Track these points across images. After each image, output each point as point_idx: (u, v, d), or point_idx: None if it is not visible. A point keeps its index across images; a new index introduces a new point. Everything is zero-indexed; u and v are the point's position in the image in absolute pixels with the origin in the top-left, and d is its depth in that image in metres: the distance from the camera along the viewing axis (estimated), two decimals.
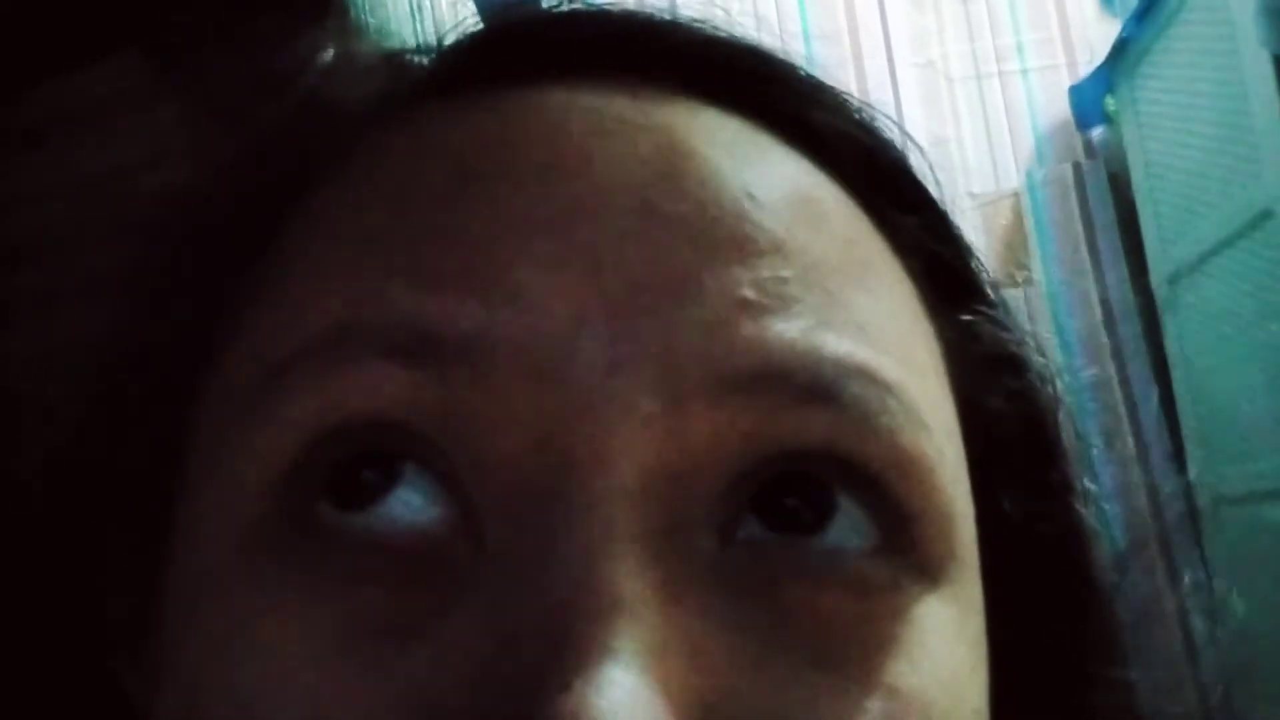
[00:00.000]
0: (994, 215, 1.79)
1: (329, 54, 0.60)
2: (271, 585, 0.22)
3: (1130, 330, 1.71)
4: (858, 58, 1.83)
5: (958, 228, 0.30)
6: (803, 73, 0.30)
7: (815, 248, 0.24)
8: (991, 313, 0.30)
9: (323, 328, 0.23)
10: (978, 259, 0.30)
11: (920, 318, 0.27)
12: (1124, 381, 1.69)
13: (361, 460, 0.22)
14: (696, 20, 0.30)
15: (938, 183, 0.30)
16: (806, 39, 1.82)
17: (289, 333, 0.24)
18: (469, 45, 0.30)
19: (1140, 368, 1.69)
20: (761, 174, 0.25)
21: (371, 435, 0.22)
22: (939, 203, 0.30)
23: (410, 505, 0.22)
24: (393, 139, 0.27)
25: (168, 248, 0.29)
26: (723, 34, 0.30)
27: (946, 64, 1.85)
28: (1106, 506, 0.32)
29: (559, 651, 0.19)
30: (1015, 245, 1.78)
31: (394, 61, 0.32)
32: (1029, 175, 1.80)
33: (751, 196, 0.24)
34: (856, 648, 0.22)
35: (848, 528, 0.23)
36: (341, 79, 0.31)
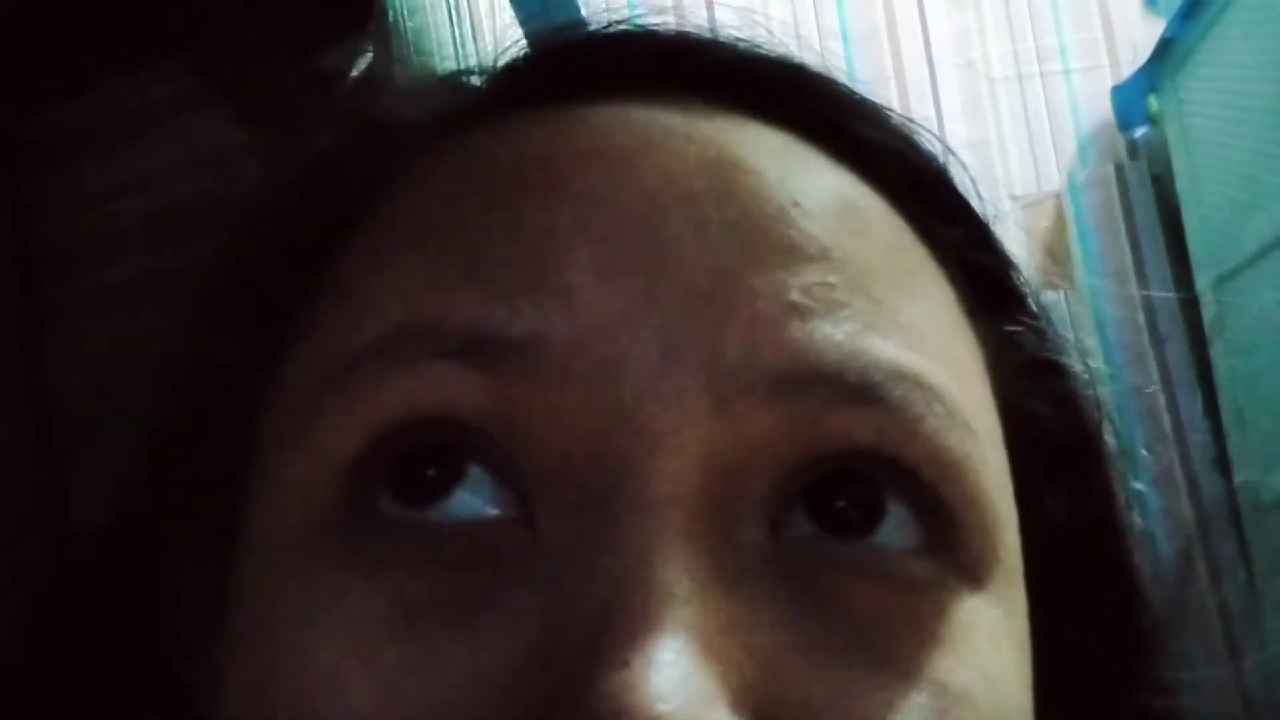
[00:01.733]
0: (1035, 217, 1.78)
1: (368, 58, 0.61)
2: (336, 573, 0.23)
3: (1174, 333, 1.69)
4: (897, 58, 1.82)
5: (999, 239, 0.31)
6: (844, 87, 0.31)
7: (860, 255, 0.25)
8: (1033, 322, 0.30)
9: (383, 330, 0.24)
10: (1019, 270, 0.31)
11: (963, 325, 0.28)
12: (1167, 385, 1.67)
13: (425, 456, 0.23)
14: (740, 38, 0.31)
15: (979, 194, 0.31)
16: (845, 40, 1.81)
17: (352, 335, 0.25)
18: (523, 65, 0.31)
19: (1184, 372, 1.67)
20: (807, 183, 0.26)
21: (432, 431, 0.23)
22: (981, 214, 0.31)
23: (470, 501, 0.23)
24: (450, 154, 0.28)
25: (235, 255, 0.30)
26: (766, 51, 0.31)
27: (988, 65, 1.83)
28: (1148, 513, 0.32)
29: (614, 632, 0.20)
30: (1057, 247, 1.76)
31: (452, 81, 0.33)
32: (1071, 177, 1.79)
33: (798, 204, 0.25)
34: (905, 643, 0.23)
35: (894, 527, 0.24)
36: (403, 96, 0.32)
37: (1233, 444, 1.60)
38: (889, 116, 0.31)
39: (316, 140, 0.33)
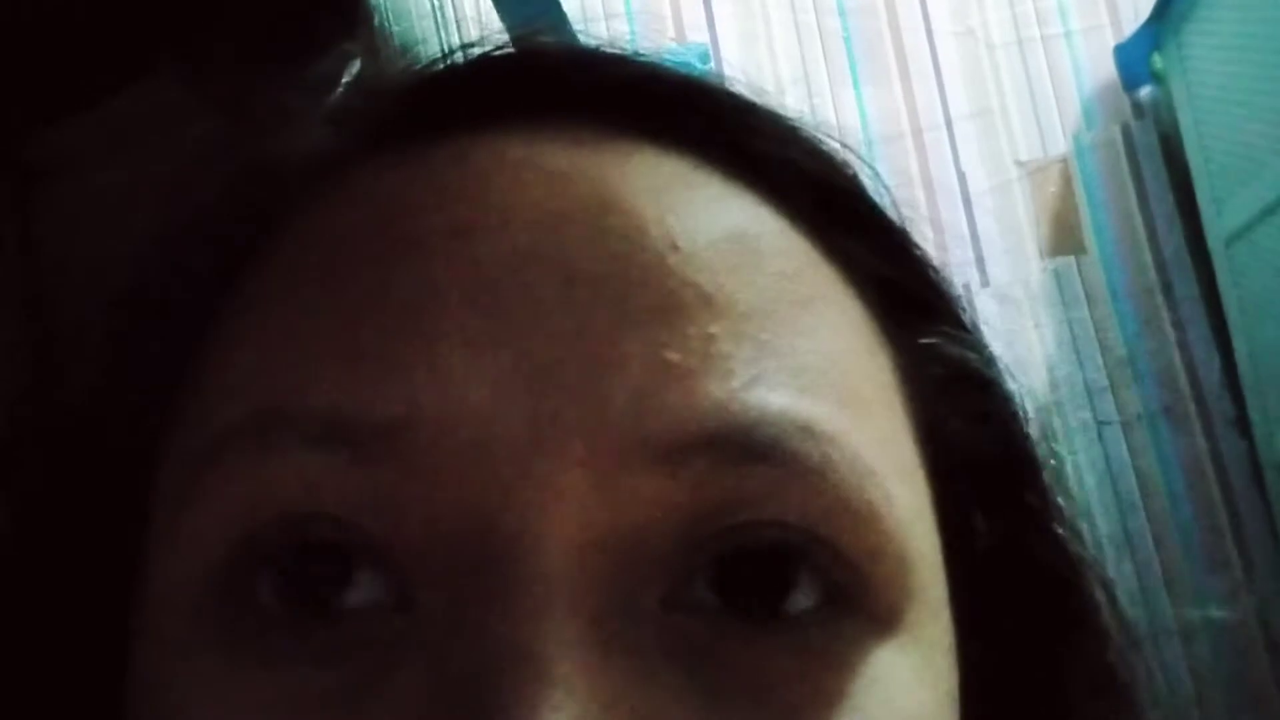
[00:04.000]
0: (1042, 182, 1.76)
1: (357, 65, 0.60)
2: (217, 666, 0.22)
3: (1187, 294, 1.68)
4: (894, 30, 1.80)
5: (917, 246, 0.30)
6: (747, 102, 0.29)
7: (747, 294, 0.24)
8: (953, 331, 0.29)
9: (246, 414, 0.23)
10: (939, 275, 0.30)
11: (871, 348, 0.27)
12: (1183, 347, 1.66)
13: (310, 551, 0.23)
14: (639, 55, 0.30)
15: (893, 201, 0.30)
16: (842, 14, 1.79)
17: (217, 416, 0.24)
18: (409, 94, 0.29)
19: (1200, 332, 1.66)
20: (691, 220, 0.25)
21: (302, 523, 0.22)
22: (894, 223, 0.29)
23: (361, 596, 0.22)
24: (328, 200, 0.27)
25: (134, 302, 0.29)
26: (666, 68, 0.29)
27: (987, 31, 1.82)
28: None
29: (493, 716, 0.19)
30: (1065, 212, 1.75)
31: (335, 113, 0.31)
32: (1076, 140, 1.77)
33: (677, 248, 0.24)
34: (807, 709, 0.22)
35: (801, 591, 0.23)
36: (282, 137, 0.31)
37: (1252, 404, 1.59)
38: (793, 129, 0.29)
39: (286, 143, 0.32)
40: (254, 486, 0.22)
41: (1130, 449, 1.64)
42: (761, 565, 0.23)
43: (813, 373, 0.24)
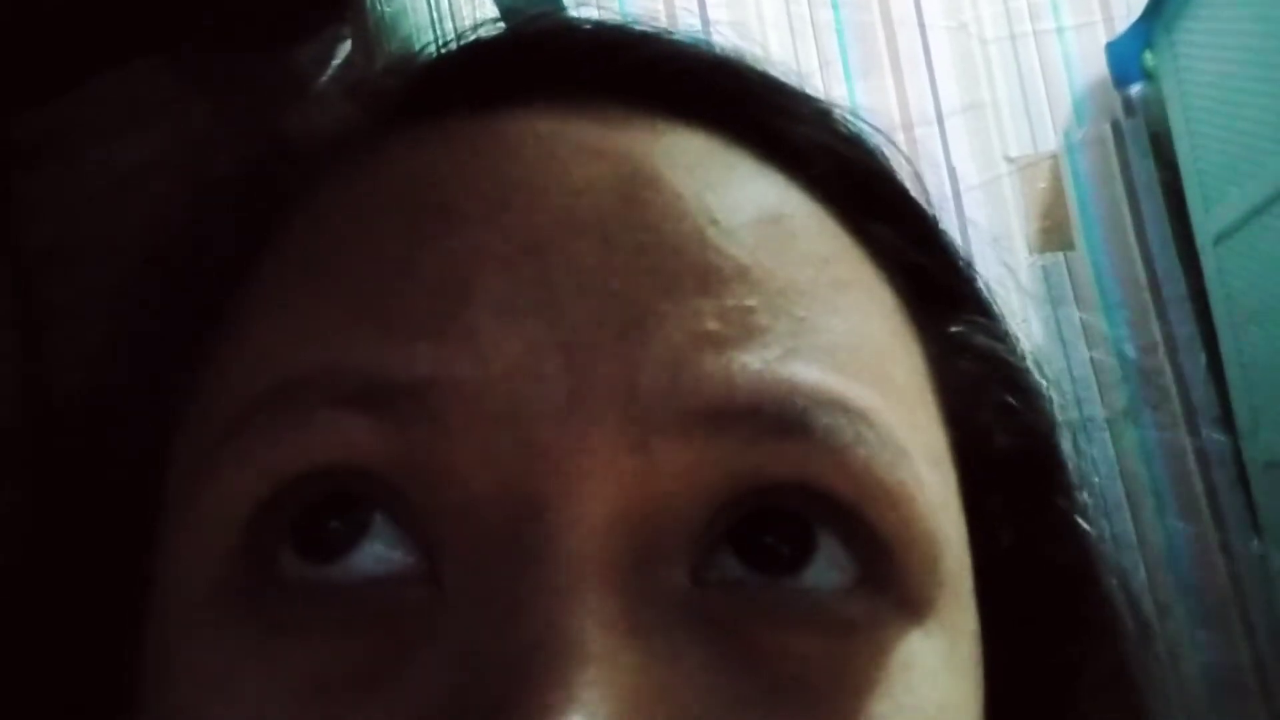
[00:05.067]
0: (1032, 178, 1.76)
1: (347, 47, 0.60)
2: (237, 642, 0.22)
3: (1175, 292, 1.68)
4: (888, 23, 1.80)
5: (946, 235, 0.29)
6: (779, 82, 0.29)
7: (783, 271, 0.24)
8: (982, 320, 0.29)
9: (278, 378, 0.23)
10: (968, 265, 0.30)
11: (901, 334, 0.26)
12: (1170, 344, 1.67)
13: (326, 509, 0.22)
14: (668, 32, 0.29)
15: (925, 190, 0.29)
16: (835, 6, 1.79)
17: (245, 384, 0.23)
18: (435, 70, 0.29)
19: (1187, 330, 1.66)
20: (727, 197, 0.24)
21: (332, 482, 0.22)
22: (924, 209, 0.29)
23: (376, 554, 0.22)
24: (353, 175, 0.26)
25: (141, 285, 0.29)
26: (695, 46, 0.29)
27: (980, 26, 1.81)
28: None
29: (523, 700, 0.19)
30: (1055, 208, 1.75)
31: (359, 90, 0.31)
32: (1067, 136, 1.77)
33: (715, 222, 0.24)
34: (835, 691, 0.22)
35: (826, 564, 0.23)
36: (306, 112, 0.31)
37: (1237, 403, 1.59)
38: (827, 112, 0.29)
39: (307, 118, 0.31)
40: (283, 447, 0.22)
41: (1116, 446, 1.64)
42: (784, 529, 0.22)
43: (847, 351, 0.24)
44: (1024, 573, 0.27)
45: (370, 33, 0.57)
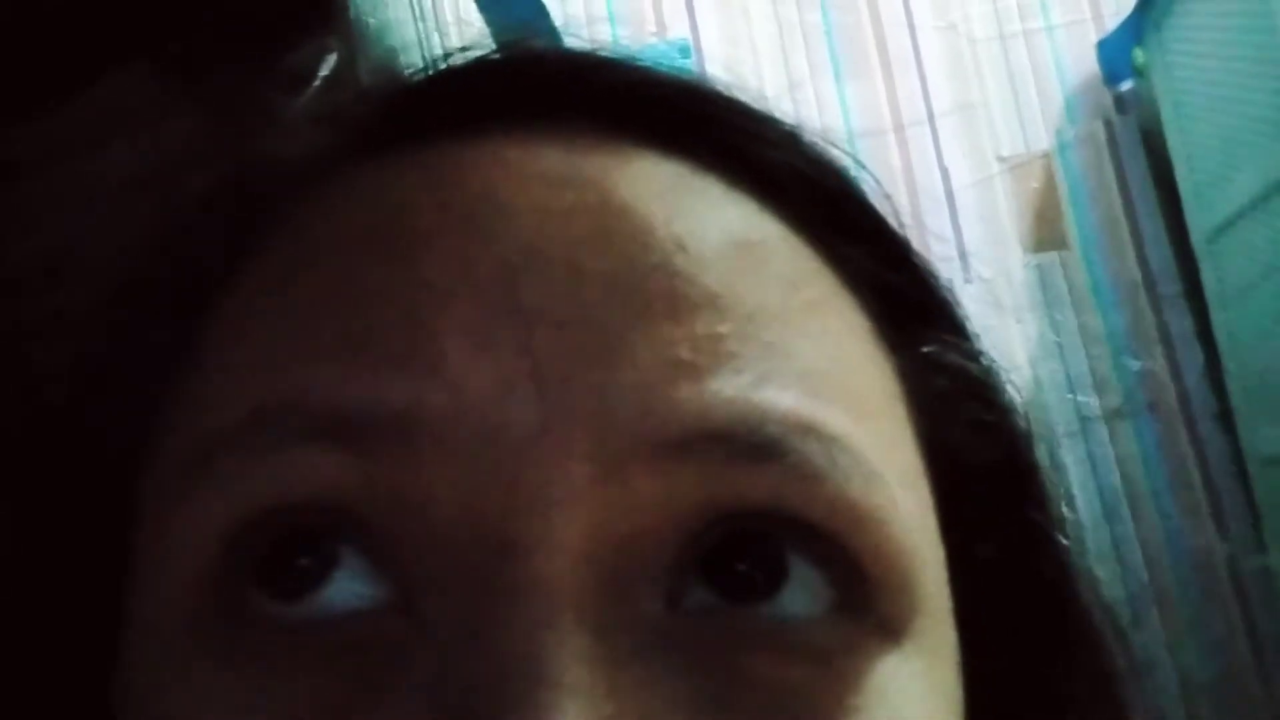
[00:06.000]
0: (1024, 178, 1.76)
1: (333, 57, 0.59)
2: (209, 677, 0.22)
3: (1170, 289, 1.68)
4: (877, 24, 1.80)
5: (916, 254, 0.29)
6: (746, 107, 0.29)
7: (753, 296, 0.24)
8: (954, 339, 0.29)
9: (245, 411, 0.22)
10: (939, 283, 0.29)
11: (873, 355, 0.26)
12: (1166, 342, 1.66)
13: (295, 545, 0.22)
14: (634, 59, 0.29)
15: (893, 209, 0.29)
16: (823, 8, 1.79)
17: (217, 412, 0.23)
18: (404, 97, 0.29)
19: (1183, 327, 1.66)
20: (695, 223, 0.24)
21: (301, 517, 0.22)
22: (894, 229, 0.29)
23: (347, 590, 0.22)
24: (323, 202, 0.26)
25: (113, 303, 0.29)
26: (662, 73, 0.29)
27: (969, 26, 1.81)
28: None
29: None
30: (1047, 208, 1.75)
31: (326, 116, 0.31)
32: (1059, 135, 1.77)
33: (684, 249, 0.24)
34: (812, 718, 0.22)
35: (801, 591, 0.22)
36: (272, 135, 0.30)
37: (1235, 398, 1.59)
38: (794, 135, 0.29)
39: (279, 143, 0.31)
40: (251, 481, 0.22)
41: (1114, 445, 1.64)
42: (756, 555, 0.22)
43: (819, 375, 0.24)
44: (1002, 588, 0.28)
45: (356, 44, 0.57)
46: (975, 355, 0.29)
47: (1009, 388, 0.30)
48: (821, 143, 0.29)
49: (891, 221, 0.29)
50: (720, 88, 0.29)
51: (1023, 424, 0.30)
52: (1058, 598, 0.29)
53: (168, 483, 0.24)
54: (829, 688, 0.22)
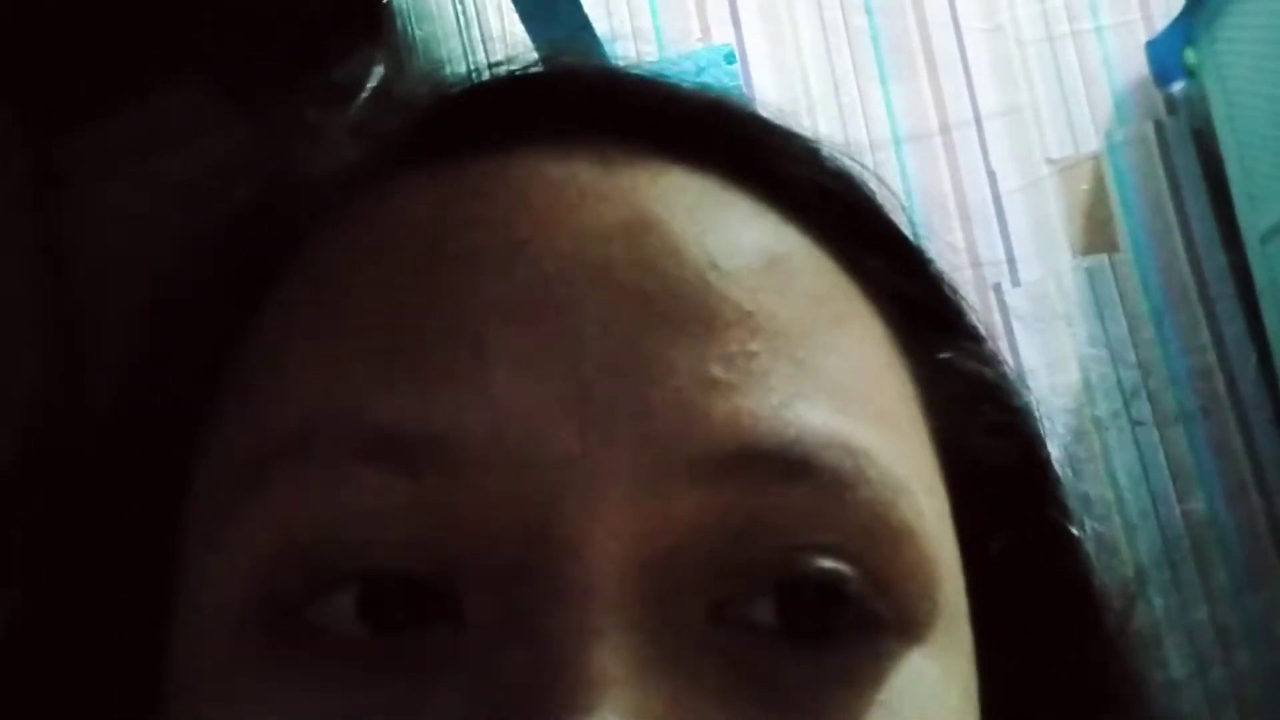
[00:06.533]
0: (1074, 180, 1.74)
1: (380, 69, 0.60)
2: (263, 681, 0.22)
3: (1223, 291, 1.65)
4: (923, 28, 1.79)
5: (932, 263, 0.30)
6: (768, 123, 0.30)
7: (783, 312, 0.24)
8: (969, 345, 0.30)
9: (292, 427, 0.23)
10: (955, 292, 0.31)
11: (894, 364, 0.27)
12: (1219, 346, 1.64)
13: (342, 560, 0.23)
14: (663, 75, 0.30)
15: (910, 220, 0.30)
16: (869, 13, 1.78)
17: (262, 429, 0.24)
18: (438, 110, 0.30)
19: (1235, 330, 1.64)
20: (726, 239, 0.25)
21: (351, 535, 0.23)
22: (913, 241, 0.30)
23: (391, 599, 0.23)
24: (360, 217, 0.27)
25: (162, 313, 0.30)
26: (687, 88, 0.30)
27: (1016, 27, 1.80)
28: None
29: (550, 717, 0.19)
30: (1097, 210, 1.73)
31: (365, 128, 0.31)
32: (1108, 137, 1.75)
33: (716, 267, 0.24)
34: (845, 716, 0.23)
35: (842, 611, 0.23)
36: (311, 150, 0.31)
37: None
38: (815, 149, 0.30)
39: (320, 156, 0.32)
40: (303, 502, 0.23)
41: (1165, 449, 1.62)
42: (816, 589, 0.23)
43: (846, 390, 0.24)
44: (1018, 590, 0.28)
45: (403, 56, 0.57)
46: (989, 360, 0.30)
47: (1023, 391, 0.31)
48: (841, 156, 0.30)
49: (909, 231, 0.30)
50: (745, 103, 0.30)
51: (1036, 425, 0.31)
52: (1071, 594, 0.30)
53: (218, 494, 0.25)
54: (857, 687, 0.23)
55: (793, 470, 0.23)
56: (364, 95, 0.61)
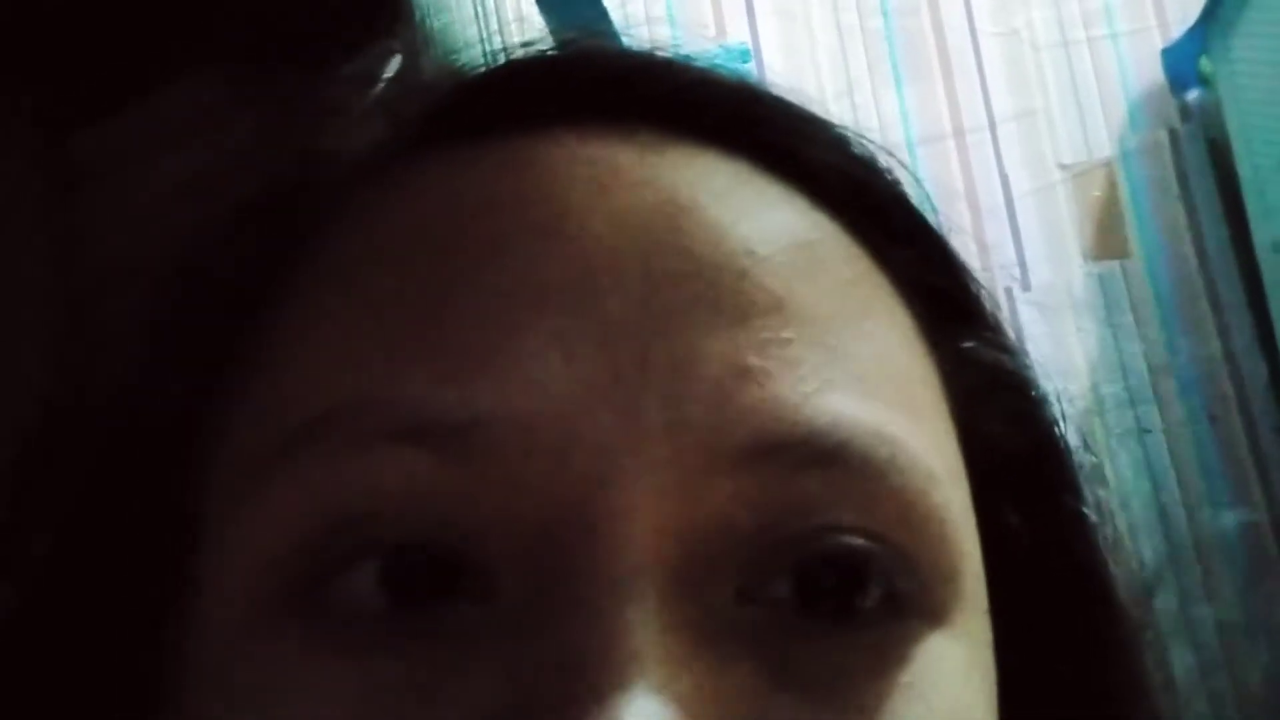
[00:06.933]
0: (1086, 186, 1.74)
1: (396, 61, 0.60)
2: (289, 658, 0.22)
3: (1233, 299, 1.65)
4: (938, 30, 1.79)
5: (955, 254, 0.30)
6: (798, 109, 0.30)
7: (815, 299, 0.25)
8: (990, 335, 0.30)
9: (330, 406, 0.23)
10: (976, 282, 0.31)
11: (919, 352, 0.27)
12: (1229, 354, 1.64)
13: (369, 537, 0.23)
14: (690, 59, 0.30)
15: (934, 209, 0.30)
16: (885, 15, 1.78)
17: (297, 406, 0.24)
18: (469, 90, 0.30)
19: (1245, 338, 1.63)
20: (760, 225, 0.25)
21: (384, 513, 0.22)
22: (937, 232, 0.30)
23: (422, 578, 0.23)
24: (392, 196, 0.27)
25: (179, 295, 0.29)
26: (715, 73, 0.30)
27: (1032, 32, 1.80)
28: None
29: (578, 699, 0.20)
30: (1109, 216, 1.73)
31: (393, 108, 0.31)
32: (1122, 143, 1.75)
33: (752, 252, 0.24)
34: (873, 696, 0.23)
35: (868, 591, 0.24)
36: (334, 130, 0.31)
37: None
38: (844, 137, 0.30)
39: (338, 138, 0.32)
40: (336, 479, 0.23)
41: (1173, 456, 1.61)
42: (837, 568, 0.23)
43: (876, 378, 0.25)
44: (1036, 577, 0.29)
45: (420, 47, 0.57)
46: (1009, 349, 0.30)
47: (1042, 381, 0.31)
48: (869, 145, 0.30)
49: (933, 222, 0.30)
50: (773, 89, 0.30)
51: (1052, 413, 0.31)
52: (1088, 578, 0.30)
53: (243, 472, 0.24)
54: (885, 666, 0.23)
55: (826, 457, 0.23)
56: (381, 84, 0.61)
